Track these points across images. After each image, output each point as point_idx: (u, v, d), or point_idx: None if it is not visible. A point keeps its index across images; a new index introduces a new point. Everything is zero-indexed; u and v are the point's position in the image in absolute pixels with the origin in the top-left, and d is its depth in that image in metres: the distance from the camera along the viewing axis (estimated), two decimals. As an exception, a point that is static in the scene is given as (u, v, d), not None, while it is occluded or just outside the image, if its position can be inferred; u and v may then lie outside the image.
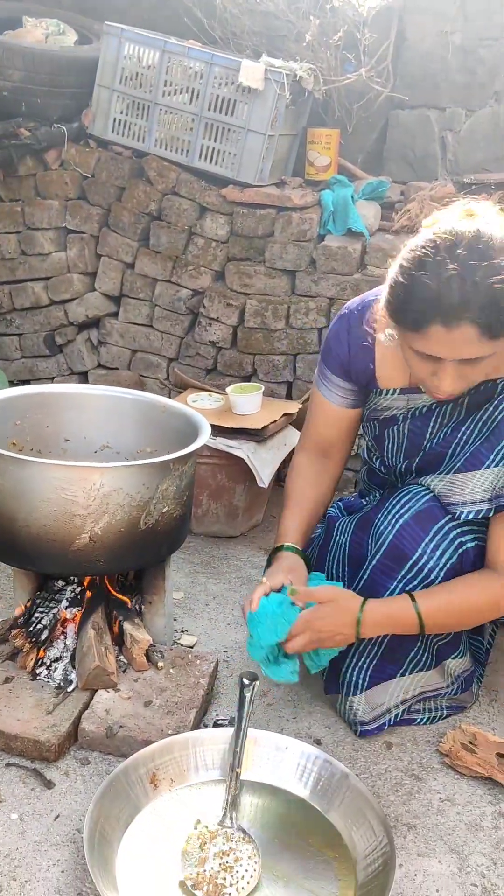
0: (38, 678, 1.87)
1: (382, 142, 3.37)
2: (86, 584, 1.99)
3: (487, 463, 1.68)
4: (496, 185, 3.11)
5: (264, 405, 2.82)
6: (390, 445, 1.87)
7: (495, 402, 1.68)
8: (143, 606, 2.05)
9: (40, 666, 1.88)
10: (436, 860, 1.57)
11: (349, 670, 1.84)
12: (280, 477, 3.11)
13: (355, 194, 3.02)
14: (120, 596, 2.03)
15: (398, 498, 1.80)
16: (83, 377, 3.35)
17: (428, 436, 1.80)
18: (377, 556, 1.78)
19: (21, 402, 2.14)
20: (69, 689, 1.84)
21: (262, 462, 2.67)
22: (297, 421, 2.82)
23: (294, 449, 2.13)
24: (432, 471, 1.79)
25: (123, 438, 2.22)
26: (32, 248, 3.20)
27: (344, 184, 3.03)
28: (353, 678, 1.84)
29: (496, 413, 1.68)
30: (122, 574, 2.06)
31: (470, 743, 1.80)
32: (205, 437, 1.94)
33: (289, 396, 3.09)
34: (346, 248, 2.90)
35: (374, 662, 1.82)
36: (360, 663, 1.83)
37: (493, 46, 3.18)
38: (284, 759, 1.70)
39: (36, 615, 1.94)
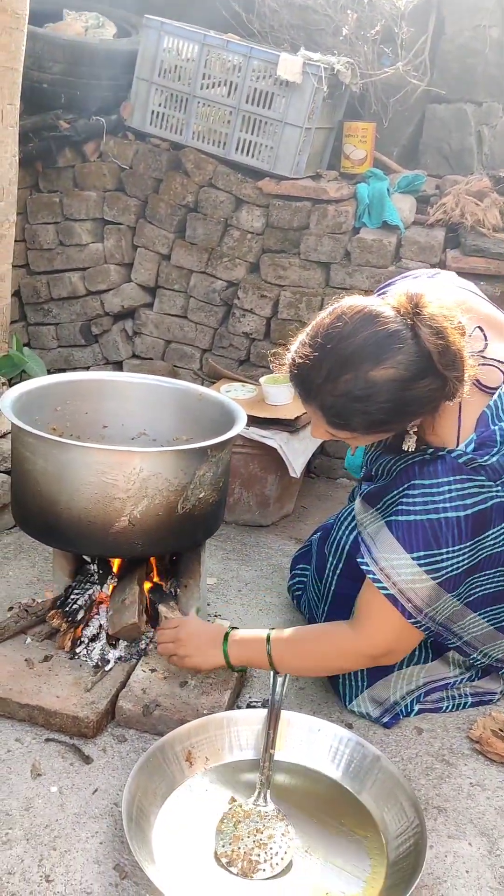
0: (76, 657, 1.91)
1: (418, 135, 3.38)
2: (117, 567, 2.03)
3: (379, 504, 1.73)
4: (531, 179, 3.12)
5: (296, 396, 2.84)
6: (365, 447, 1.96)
7: (407, 457, 1.69)
8: (178, 590, 2.09)
9: (79, 645, 1.92)
10: (466, 842, 1.59)
11: (345, 677, 1.90)
12: (311, 468, 3.14)
13: (391, 187, 3.03)
14: (156, 579, 2.06)
15: (349, 511, 1.99)
16: (118, 367, 3.39)
17: (368, 449, 1.89)
18: (339, 566, 1.94)
19: (60, 389, 2.18)
20: (107, 668, 1.88)
21: (294, 452, 2.70)
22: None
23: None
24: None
25: (160, 426, 2.26)
26: (70, 238, 3.25)
27: (379, 177, 3.04)
28: (352, 682, 1.90)
29: (398, 465, 1.71)
30: (159, 559, 2.10)
31: (500, 730, 1.82)
32: (241, 425, 1.98)
33: (321, 388, 3.11)
34: (382, 240, 2.92)
35: None
36: None
37: (531, 41, 3.18)
38: (317, 740, 1.73)
39: (72, 596, 1.98)
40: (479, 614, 1.74)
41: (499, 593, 1.73)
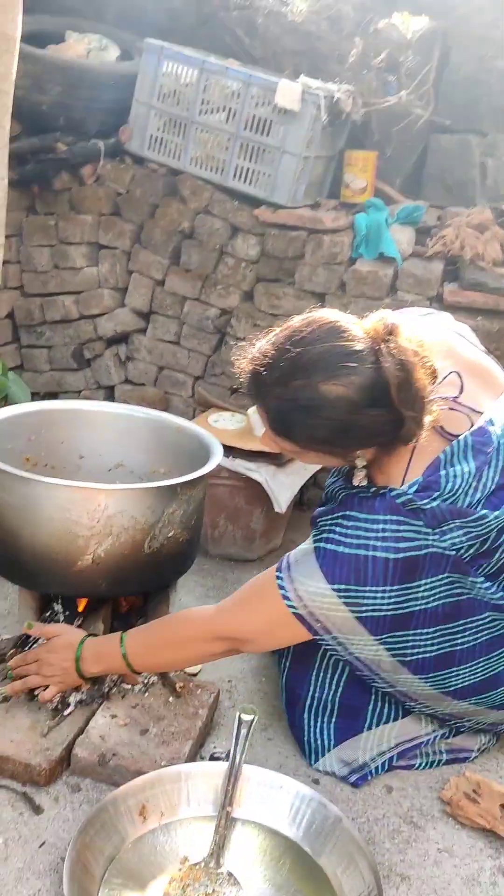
0: (35, 699, 1.84)
1: (421, 166, 3.32)
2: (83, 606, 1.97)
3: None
4: (535, 212, 3.05)
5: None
6: None
7: (351, 488, 1.65)
8: (146, 631, 2.02)
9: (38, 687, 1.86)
10: (428, 915, 1.51)
11: (310, 736, 1.82)
12: (301, 501, 3.07)
13: (390, 218, 2.97)
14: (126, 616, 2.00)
15: None
16: (110, 392, 3.34)
17: (331, 474, 1.86)
18: None
19: (35, 418, 2.13)
20: (66, 713, 1.81)
21: (281, 486, 2.63)
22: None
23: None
24: None
25: (137, 457, 2.21)
26: (65, 262, 3.21)
27: (379, 207, 2.98)
28: (317, 741, 1.82)
29: (342, 493, 1.68)
30: (126, 598, 2.03)
31: (473, 791, 1.73)
32: (215, 462, 1.92)
33: (314, 420, 3.05)
34: (377, 272, 2.86)
35: (335, 721, 1.80)
36: (319, 725, 1.81)
37: (537, 73, 3.13)
38: (278, 798, 1.65)
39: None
40: (421, 678, 1.65)
41: (442, 656, 1.63)
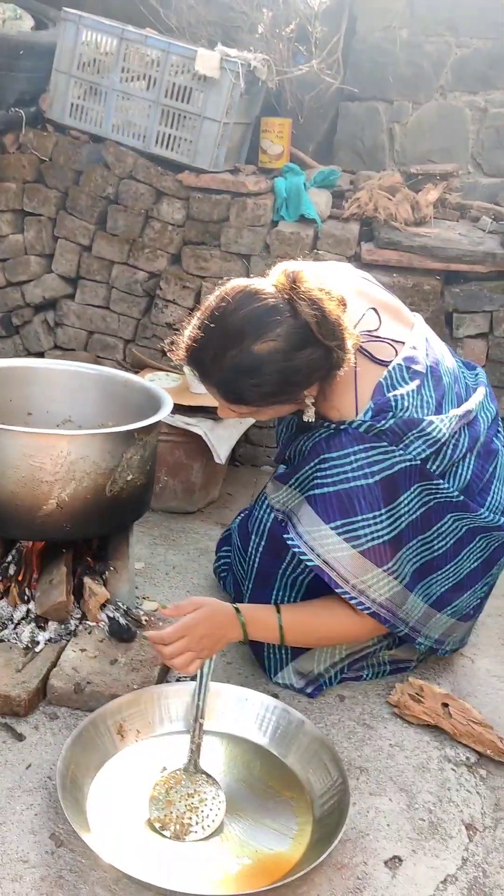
0: (4, 641, 1.93)
1: (333, 132, 3.49)
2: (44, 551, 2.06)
3: (291, 482, 1.85)
4: (440, 175, 3.25)
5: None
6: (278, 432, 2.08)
7: (314, 435, 1.81)
8: (107, 573, 2.13)
9: (4, 628, 1.95)
10: (386, 798, 1.68)
11: (270, 650, 1.96)
12: (235, 456, 3.21)
13: (307, 182, 3.12)
14: (87, 559, 2.10)
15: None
16: (39, 358, 3.39)
17: (282, 434, 2.02)
18: (261, 543, 1.98)
19: (-17, 377, 2.20)
20: (37, 650, 1.91)
21: (219, 439, 2.76)
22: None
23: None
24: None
25: (86, 412, 2.29)
26: (-10, 230, 3.24)
27: (296, 172, 3.13)
28: (276, 654, 1.96)
29: (307, 444, 1.83)
30: (87, 543, 2.13)
31: (417, 694, 1.91)
32: (168, 409, 2.03)
33: (243, 377, 3.18)
34: (299, 233, 3.00)
35: None
36: None
37: (437, 42, 3.32)
38: (245, 709, 1.80)
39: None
40: (415, 594, 1.82)
41: (424, 565, 1.82)
